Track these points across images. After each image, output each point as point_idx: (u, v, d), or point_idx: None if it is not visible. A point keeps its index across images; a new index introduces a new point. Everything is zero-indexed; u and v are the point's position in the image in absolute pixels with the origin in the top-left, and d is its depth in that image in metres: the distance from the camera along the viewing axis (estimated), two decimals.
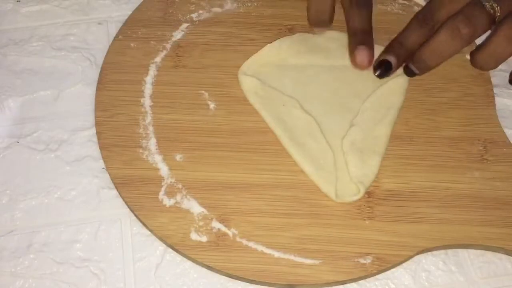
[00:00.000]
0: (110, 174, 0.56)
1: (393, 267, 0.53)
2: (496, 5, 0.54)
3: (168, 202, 0.55)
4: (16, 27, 0.67)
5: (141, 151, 0.57)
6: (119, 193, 0.55)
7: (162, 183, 0.55)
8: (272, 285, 0.52)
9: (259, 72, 0.61)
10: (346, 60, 0.62)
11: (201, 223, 0.53)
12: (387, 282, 0.53)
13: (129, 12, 0.67)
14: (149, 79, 0.62)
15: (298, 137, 0.57)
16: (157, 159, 0.57)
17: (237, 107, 0.60)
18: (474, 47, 0.58)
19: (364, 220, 0.54)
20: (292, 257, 0.52)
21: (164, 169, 0.56)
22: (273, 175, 0.56)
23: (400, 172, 0.57)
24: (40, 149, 0.59)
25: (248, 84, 0.60)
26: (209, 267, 0.52)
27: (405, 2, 0.68)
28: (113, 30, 0.67)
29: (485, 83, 0.63)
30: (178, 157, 0.57)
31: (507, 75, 0.65)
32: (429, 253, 0.54)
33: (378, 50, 0.59)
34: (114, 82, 0.61)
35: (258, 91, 0.60)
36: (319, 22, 0.61)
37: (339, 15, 0.62)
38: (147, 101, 0.60)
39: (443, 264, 0.54)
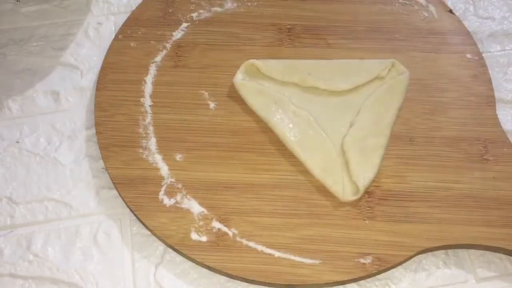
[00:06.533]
0: (110, 174, 0.56)
1: (393, 267, 0.53)
2: None
3: (168, 202, 0.55)
4: (16, 27, 0.67)
5: (141, 151, 0.57)
6: (119, 193, 0.55)
7: (162, 183, 0.55)
8: (272, 285, 0.52)
9: (256, 75, 0.61)
10: (345, 61, 0.62)
11: (201, 223, 0.53)
12: (387, 282, 0.53)
13: (129, 12, 0.67)
14: (149, 78, 0.62)
15: (301, 138, 0.57)
16: (157, 159, 0.57)
17: (237, 107, 0.60)
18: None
19: (364, 220, 0.54)
20: (292, 257, 0.52)
21: (164, 169, 0.56)
22: (273, 175, 0.56)
23: (400, 172, 0.57)
24: (40, 149, 0.59)
25: (246, 90, 0.60)
26: (209, 267, 0.52)
27: (405, 1, 0.68)
28: (113, 30, 0.67)
29: (485, 83, 0.62)
30: (178, 157, 0.57)
31: (507, 75, 0.65)
32: (429, 253, 0.54)
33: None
34: (114, 82, 0.61)
35: (256, 94, 0.60)
36: None
37: None
38: (147, 101, 0.60)
39: (443, 264, 0.54)
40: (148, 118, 0.59)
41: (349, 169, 0.56)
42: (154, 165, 0.56)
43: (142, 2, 0.68)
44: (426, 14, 0.67)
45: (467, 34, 0.66)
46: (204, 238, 0.53)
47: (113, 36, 0.65)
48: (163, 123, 0.59)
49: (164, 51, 0.64)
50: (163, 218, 0.54)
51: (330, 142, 0.57)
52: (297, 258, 0.52)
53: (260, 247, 0.53)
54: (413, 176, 0.57)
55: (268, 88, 0.60)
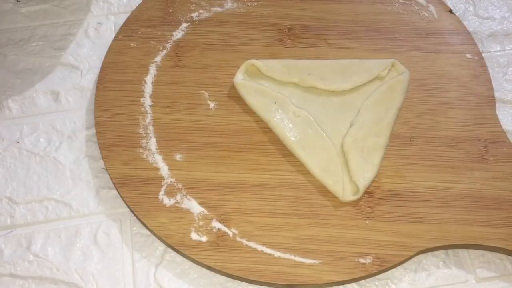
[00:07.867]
0: (110, 174, 0.56)
1: (393, 267, 0.53)
2: None
3: (168, 202, 0.55)
4: (16, 27, 0.67)
5: (141, 151, 0.57)
6: (119, 193, 0.55)
7: (162, 183, 0.55)
8: (272, 285, 0.52)
9: (256, 75, 0.61)
10: (345, 61, 0.62)
11: (201, 223, 0.53)
12: (387, 282, 0.53)
13: (129, 12, 0.67)
14: (149, 78, 0.62)
15: (301, 138, 0.57)
16: (157, 159, 0.57)
17: (237, 107, 0.60)
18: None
19: (364, 220, 0.54)
20: (292, 257, 0.52)
21: (164, 169, 0.56)
22: (273, 175, 0.56)
23: (400, 172, 0.57)
24: (40, 149, 0.59)
25: (246, 90, 0.60)
26: (209, 267, 0.52)
27: (405, 1, 0.68)
28: (113, 30, 0.67)
29: (485, 83, 0.62)
30: (178, 157, 0.57)
31: (507, 75, 0.65)
32: (429, 253, 0.54)
33: None
34: (114, 82, 0.61)
35: (256, 94, 0.60)
36: None
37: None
38: (147, 101, 0.60)
39: (443, 264, 0.54)
40: (148, 118, 0.59)
41: (349, 169, 0.56)
42: (154, 165, 0.56)
43: (142, 2, 0.68)
44: (426, 14, 0.67)
45: (467, 34, 0.66)
46: (204, 238, 0.53)
47: (113, 36, 0.65)
48: (163, 123, 0.59)
49: (164, 51, 0.64)
50: (163, 218, 0.54)
51: (330, 142, 0.57)
52: (297, 258, 0.52)
53: (260, 247, 0.53)
54: (413, 176, 0.57)
55: (268, 88, 0.61)
